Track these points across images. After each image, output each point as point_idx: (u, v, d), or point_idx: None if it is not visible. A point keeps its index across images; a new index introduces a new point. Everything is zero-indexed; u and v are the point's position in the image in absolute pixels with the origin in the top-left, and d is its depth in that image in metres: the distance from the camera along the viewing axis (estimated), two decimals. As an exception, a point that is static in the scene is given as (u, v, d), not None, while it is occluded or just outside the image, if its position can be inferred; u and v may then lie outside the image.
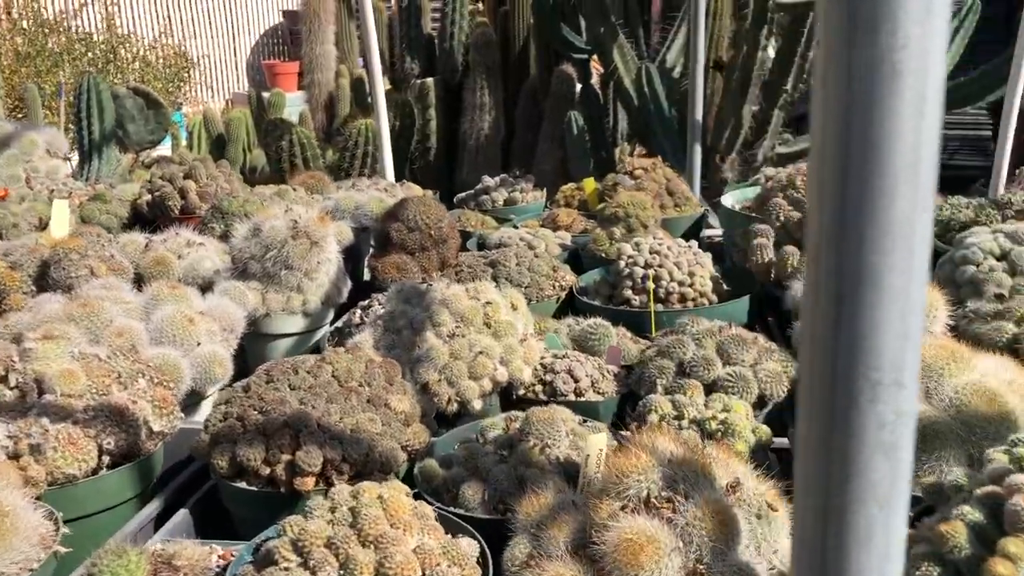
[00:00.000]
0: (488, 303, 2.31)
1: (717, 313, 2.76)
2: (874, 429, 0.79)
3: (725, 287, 2.94)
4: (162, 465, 2.08)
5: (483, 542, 1.62)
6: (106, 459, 1.91)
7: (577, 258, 3.46)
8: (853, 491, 0.81)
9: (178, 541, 1.78)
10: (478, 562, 1.58)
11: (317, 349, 2.84)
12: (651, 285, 2.74)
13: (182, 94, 12.29)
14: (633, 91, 6.04)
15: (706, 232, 3.93)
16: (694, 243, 3.00)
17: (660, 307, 2.83)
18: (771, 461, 1.89)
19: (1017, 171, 4.06)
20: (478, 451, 1.88)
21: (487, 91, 7.26)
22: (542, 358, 2.36)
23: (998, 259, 2.46)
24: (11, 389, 1.96)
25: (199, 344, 2.41)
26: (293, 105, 9.57)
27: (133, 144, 6.48)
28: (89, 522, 1.87)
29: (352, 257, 3.36)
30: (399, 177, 6.43)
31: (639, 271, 2.88)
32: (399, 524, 1.54)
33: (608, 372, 2.37)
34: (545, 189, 4.46)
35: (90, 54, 11.06)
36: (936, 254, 2.83)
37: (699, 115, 4.47)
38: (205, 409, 2.52)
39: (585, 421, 2.04)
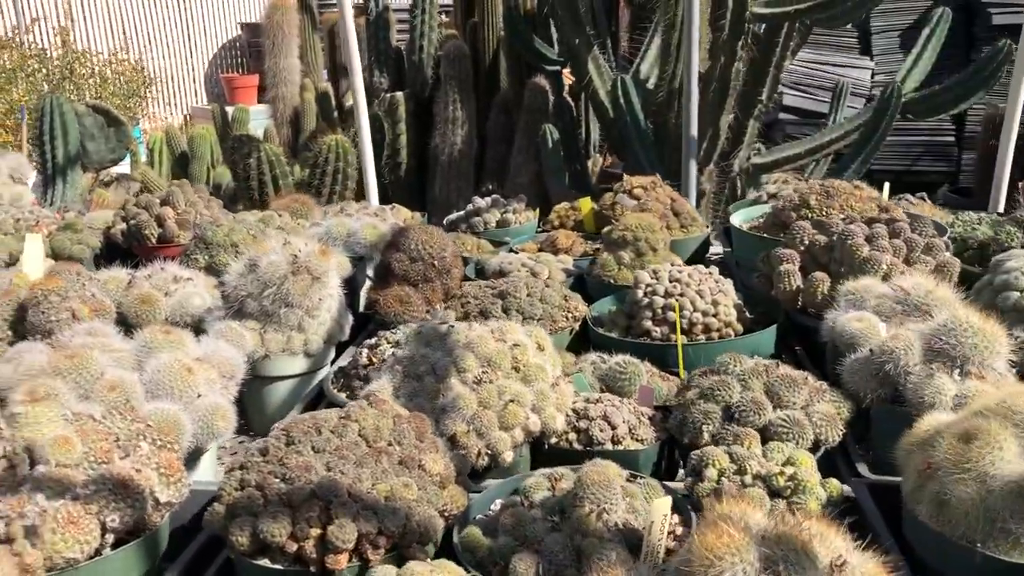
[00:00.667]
0: (516, 345, 2.14)
1: (744, 345, 2.62)
2: None
3: (747, 315, 2.81)
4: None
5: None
6: (110, 537, 1.71)
7: (582, 284, 3.31)
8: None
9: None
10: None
11: (320, 392, 2.64)
12: (678, 317, 2.59)
13: (140, 110, 11.95)
14: (608, 103, 5.93)
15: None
16: (714, 269, 2.86)
17: (684, 339, 2.68)
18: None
19: (1021, 184, 3.99)
20: (525, 517, 1.71)
21: (459, 105, 7.10)
22: (573, 402, 2.20)
23: (1042, 285, 2.35)
24: (-3, 459, 1.75)
25: (199, 396, 2.21)
26: (256, 119, 9.32)
27: (93, 163, 6.20)
28: (91, 610, 1.67)
29: (347, 288, 3.17)
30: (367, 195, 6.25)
31: (659, 301, 2.73)
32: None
33: (643, 416, 2.22)
34: (538, 209, 4.30)
35: (44, 70, 10.69)
36: (965, 277, 2.72)
37: (694, 130, 4.35)
38: (204, 465, 2.32)
39: (634, 477, 1.88)
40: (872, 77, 8.88)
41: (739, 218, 3.54)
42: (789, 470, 1.75)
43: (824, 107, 8.25)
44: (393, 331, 2.65)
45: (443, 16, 8.22)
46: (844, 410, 2.07)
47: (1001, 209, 4.19)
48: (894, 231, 2.70)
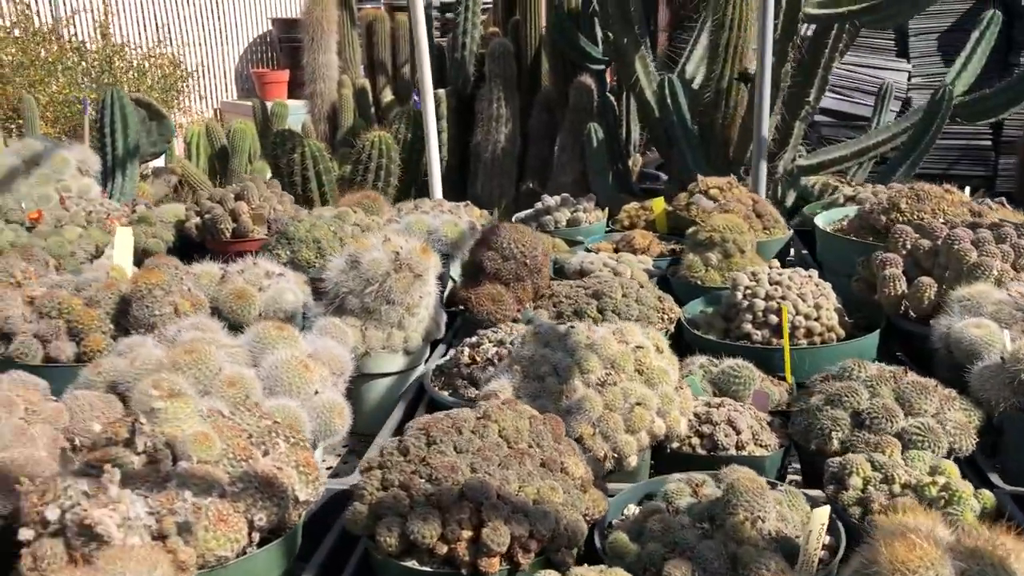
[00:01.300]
0: (639, 347, 2.12)
1: (848, 351, 2.59)
2: None
3: (847, 319, 2.77)
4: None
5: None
6: (256, 536, 1.70)
7: (665, 285, 3.28)
8: None
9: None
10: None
11: (420, 390, 2.62)
12: (786, 321, 2.56)
13: (176, 104, 11.99)
14: (655, 102, 5.91)
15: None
16: (814, 272, 2.83)
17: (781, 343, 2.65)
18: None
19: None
20: (674, 523, 1.68)
21: (504, 102, 7.09)
22: (694, 406, 2.17)
23: None
24: (138, 454, 1.74)
25: (316, 392, 2.19)
26: (293, 115, 9.32)
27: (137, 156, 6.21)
28: (234, 609, 1.65)
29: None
30: (412, 192, 6.24)
31: (760, 303, 2.70)
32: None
33: (762, 421, 2.19)
34: (607, 209, 4.27)
35: (83, 64, 10.73)
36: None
37: (765, 130, 4.31)
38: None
39: (771, 484, 1.85)
40: (909, 80, 8.79)
41: (821, 220, 3.50)
42: (940, 479, 1.72)
43: (860, 109, 8.18)
44: (494, 330, 2.63)
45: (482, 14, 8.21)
46: (975, 418, 2.04)
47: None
48: (1000, 236, 2.66)
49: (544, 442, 1.82)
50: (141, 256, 3.38)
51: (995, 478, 2.02)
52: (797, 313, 2.66)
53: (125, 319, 2.57)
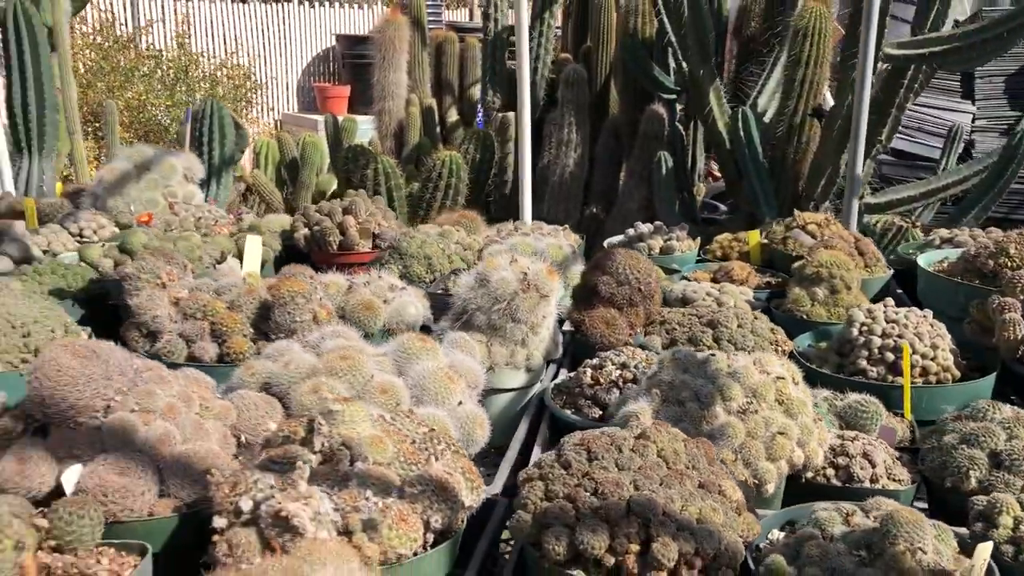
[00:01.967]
0: (779, 378, 2.18)
1: (963, 392, 2.63)
2: None
3: (961, 360, 2.81)
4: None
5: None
6: (430, 536, 1.78)
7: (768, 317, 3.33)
8: None
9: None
10: None
11: (540, 406, 2.70)
12: (907, 359, 2.60)
13: (244, 114, 12.28)
14: (726, 134, 5.98)
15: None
16: (928, 312, 2.87)
17: (900, 381, 2.69)
18: None
19: None
20: (831, 550, 1.74)
21: (575, 127, 7.21)
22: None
23: None
24: (315, 453, 1.83)
25: (460, 403, 2.28)
26: (359, 130, 9.48)
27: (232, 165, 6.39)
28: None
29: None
30: (489, 211, 6.34)
31: (876, 340, 2.75)
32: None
33: (893, 456, 2.24)
34: (699, 239, 4.33)
35: (159, 71, 11.03)
36: None
37: (859, 168, 4.36)
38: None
39: (918, 516, 1.89)
40: (973, 121, 8.76)
41: (923, 261, 3.53)
42: (1095, 523, 1.76)
43: (922, 149, 8.17)
44: (616, 353, 2.70)
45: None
46: (1113, 465, 2.07)
47: None
48: (1120, 286, 2.69)
49: (700, 464, 1.88)
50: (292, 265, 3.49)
51: None
52: (914, 352, 2.70)
53: (264, 323, 2.68)
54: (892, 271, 3.69)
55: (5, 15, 5.32)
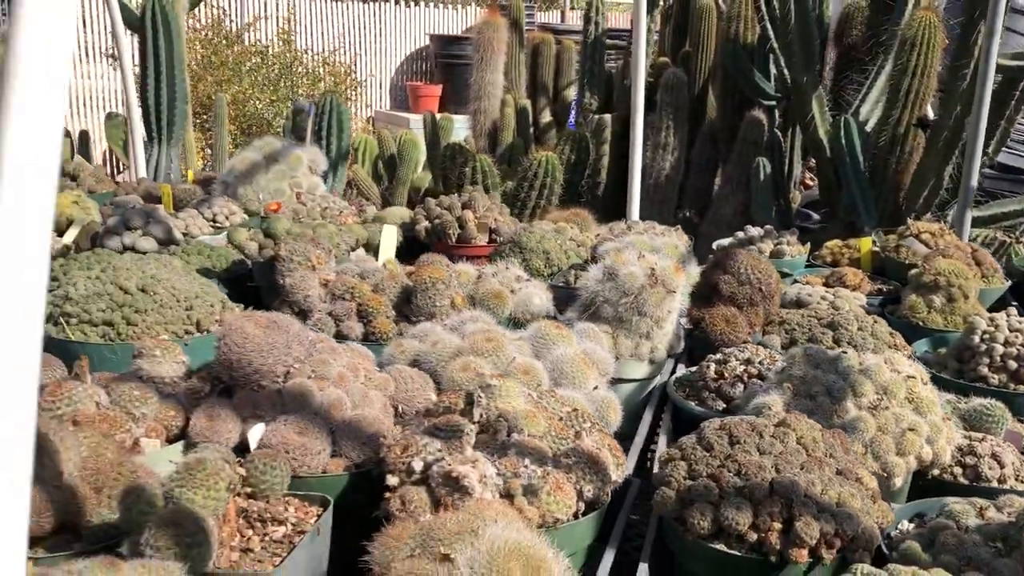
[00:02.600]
0: (910, 376, 2.25)
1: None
2: None
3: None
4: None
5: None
6: (581, 505, 1.91)
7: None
8: None
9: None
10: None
11: (663, 398, 2.82)
12: (1032, 367, 2.64)
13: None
14: (827, 142, 5.97)
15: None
16: (1052, 324, 2.89)
17: (1017, 388, 2.73)
18: None
19: None
20: (967, 540, 1.82)
21: (672, 131, 7.26)
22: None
23: None
24: (473, 423, 1.98)
25: (595, 388, 2.41)
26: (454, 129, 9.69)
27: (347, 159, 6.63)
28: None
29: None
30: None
31: (999, 348, 2.79)
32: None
33: (1021, 459, 2.29)
34: (808, 244, 4.38)
35: (264, 67, 11.44)
36: None
37: (974, 179, 4.36)
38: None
39: (1050, 515, 1.95)
40: (1075, 135, 8.51)
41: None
42: None
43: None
44: (739, 349, 2.79)
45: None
46: None
47: None
48: None
49: (837, 453, 1.98)
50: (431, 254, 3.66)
51: None
52: (1037, 361, 2.73)
53: (405, 307, 2.86)
54: (1010, 282, 3.69)
55: (144, 9, 5.67)
